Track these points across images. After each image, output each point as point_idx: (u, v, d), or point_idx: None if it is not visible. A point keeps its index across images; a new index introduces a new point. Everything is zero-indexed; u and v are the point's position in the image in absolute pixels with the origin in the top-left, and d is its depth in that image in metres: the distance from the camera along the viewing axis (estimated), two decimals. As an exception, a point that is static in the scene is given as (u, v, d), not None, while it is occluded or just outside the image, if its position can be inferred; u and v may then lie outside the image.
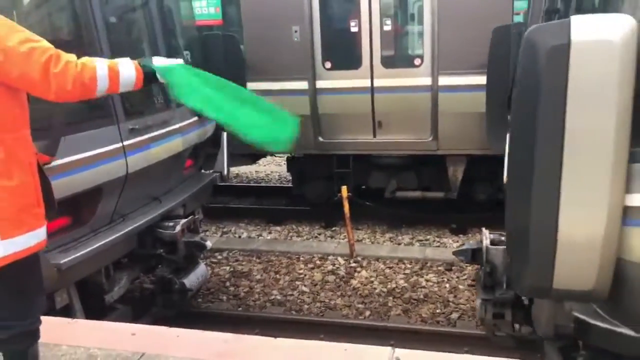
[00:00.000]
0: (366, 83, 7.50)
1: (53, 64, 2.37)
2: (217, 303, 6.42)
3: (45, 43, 2.43)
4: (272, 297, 6.51)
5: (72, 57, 2.48)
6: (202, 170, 6.52)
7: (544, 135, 2.75)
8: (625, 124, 2.61)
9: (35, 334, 2.65)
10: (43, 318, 2.93)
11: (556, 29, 2.67)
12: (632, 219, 2.74)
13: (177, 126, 5.35)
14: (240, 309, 6.34)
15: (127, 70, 2.68)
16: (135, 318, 5.06)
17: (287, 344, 3.05)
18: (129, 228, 4.68)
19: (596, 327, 3.12)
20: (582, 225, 2.73)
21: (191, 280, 5.24)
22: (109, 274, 4.77)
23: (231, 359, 2.94)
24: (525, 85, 2.84)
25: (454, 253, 4.56)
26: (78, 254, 4.15)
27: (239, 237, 8.34)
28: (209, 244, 5.21)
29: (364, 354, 2.88)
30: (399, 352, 2.86)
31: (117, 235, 4.54)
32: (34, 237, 2.49)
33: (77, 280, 4.31)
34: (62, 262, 3.98)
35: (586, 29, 2.59)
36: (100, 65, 2.55)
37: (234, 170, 11.00)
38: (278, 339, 3.10)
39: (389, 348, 2.90)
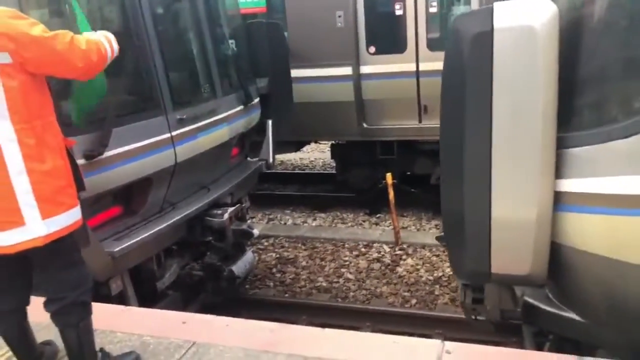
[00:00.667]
0: (411, 67, 7.39)
1: (77, 43, 2.58)
2: (264, 289, 6.49)
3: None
4: (318, 283, 6.54)
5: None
6: (248, 158, 6.56)
7: (472, 122, 2.76)
8: (551, 109, 2.61)
9: (85, 306, 2.77)
10: (99, 305, 3.06)
11: (480, 16, 2.67)
12: (563, 204, 2.73)
13: (223, 115, 5.39)
14: (287, 295, 6.40)
15: (103, 35, 2.89)
16: (184, 304, 5.19)
17: (335, 335, 3.05)
18: (179, 217, 4.76)
19: (544, 311, 3.15)
20: (514, 210, 2.74)
21: (239, 267, 5.31)
22: (160, 261, 4.88)
23: (279, 348, 2.96)
24: (452, 72, 2.84)
25: (437, 238, 4.42)
26: (130, 242, 4.25)
27: (285, 223, 8.39)
28: (256, 232, 5.26)
29: (414, 347, 2.85)
30: (449, 345, 2.81)
31: (167, 223, 4.62)
32: (72, 215, 2.62)
33: (130, 268, 4.42)
34: (115, 250, 4.08)
35: (508, 16, 2.59)
36: (96, 36, 2.83)
37: (279, 157, 11.05)
38: (326, 329, 3.11)
39: (439, 341, 2.86)
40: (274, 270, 6.89)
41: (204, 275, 5.33)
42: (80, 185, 2.79)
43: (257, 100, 6.15)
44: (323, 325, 3.42)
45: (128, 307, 3.57)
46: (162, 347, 3.09)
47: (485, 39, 2.64)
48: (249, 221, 6.24)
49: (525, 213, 2.69)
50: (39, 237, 2.50)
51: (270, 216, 8.66)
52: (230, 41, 5.99)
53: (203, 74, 5.39)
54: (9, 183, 2.42)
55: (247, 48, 6.31)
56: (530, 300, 3.23)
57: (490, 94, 2.67)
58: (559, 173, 2.71)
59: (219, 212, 5.18)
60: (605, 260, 2.69)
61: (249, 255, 5.56)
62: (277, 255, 7.20)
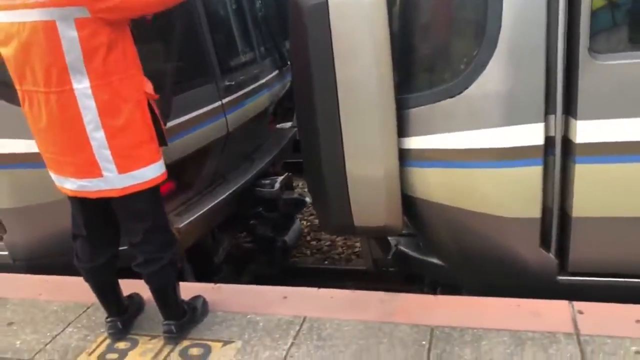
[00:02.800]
0: None
1: None
2: (302, 257, 6.35)
3: None
4: (356, 249, 6.42)
5: None
6: (278, 126, 6.36)
7: (319, 89, 2.96)
8: (388, 74, 2.81)
9: (176, 267, 2.84)
10: (184, 283, 3.03)
11: None
12: (408, 160, 3.01)
13: (264, 80, 5.16)
14: (326, 262, 6.28)
15: None
16: (236, 277, 5.03)
17: (448, 301, 2.96)
18: (233, 188, 4.57)
19: (413, 257, 3.54)
20: (365, 167, 3.00)
21: (290, 237, 5.18)
22: (214, 235, 4.70)
23: (398, 318, 2.86)
24: (296, 41, 3.02)
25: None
26: (194, 217, 4.07)
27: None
28: (308, 199, 5.09)
29: (540, 310, 2.76)
30: (580, 305, 2.73)
31: (223, 196, 4.43)
32: (152, 171, 2.60)
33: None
34: (181, 225, 3.90)
35: None
36: None
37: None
38: (438, 296, 3.00)
39: (566, 302, 2.78)
40: (308, 237, 6.74)
41: (256, 247, 5.17)
42: (162, 141, 2.71)
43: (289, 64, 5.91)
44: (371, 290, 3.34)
45: (218, 285, 3.41)
46: (273, 325, 2.95)
47: (321, 11, 2.79)
48: (298, 190, 6.07)
49: (374, 169, 2.94)
50: (115, 189, 2.54)
51: (299, 183, 8.45)
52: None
53: (244, 37, 5.14)
54: (86, 137, 2.43)
55: (276, 7, 6.02)
56: (402, 248, 3.60)
57: (333, 61, 2.85)
58: (402, 132, 2.94)
59: (268, 181, 5.00)
60: (449, 208, 3.02)
61: (297, 224, 5.42)
62: (309, 223, 7.05)
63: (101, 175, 2.50)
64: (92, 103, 2.39)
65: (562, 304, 2.78)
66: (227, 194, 4.52)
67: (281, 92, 5.80)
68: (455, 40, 3.03)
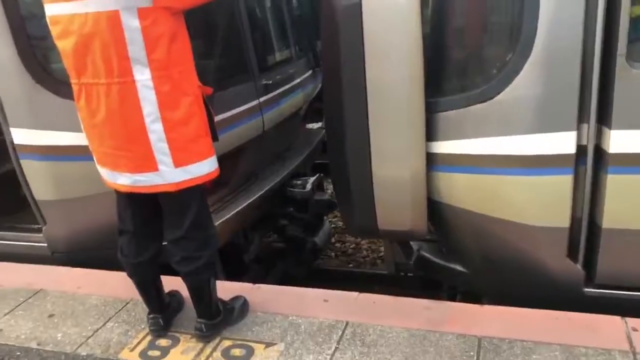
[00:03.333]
0: None
1: None
2: (326, 260, 6.34)
3: None
4: (381, 253, 6.38)
5: None
6: (307, 126, 6.34)
7: (349, 89, 2.94)
8: (419, 76, 2.79)
9: (214, 266, 2.83)
10: (220, 283, 3.00)
11: None
12: (436, 165, 2.99)
13: (299, 80, 5.15)
14: (351, 265, 6.26)
15: None
16: (264, 277, 5.02)
17: (495, 311, 2.92)
18: (266, 187, 4.55)
19: (435, 263, 3.47)
20: (392, 170, 2.98)
21: (320, 238, 5.16)
22: (245, 233, 4.69)
23: (444, 327, 2.83)
24: (327, 41, 2.99)
25: None
26: (229, 215, 4.07)
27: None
28: (339, 202, 5.06)
29: (593, 324, 2.71)
30: (633, 322, 2.69)
31: (257, 195, 4.42)
32: (206, 166, 2.59)
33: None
34: (216, 223, 3.88)
35: None
36: None
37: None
38: (485, 305, 2.96)
39: (619, 318, 2.73)
40: (333, 240, 6.72)
41: (286, 247, 5.16)
42: (214, 136, 2.70)
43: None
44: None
45: (257, 285, 3.39)
46: (315, 328, 2.93)
47: (354, 11, 2.77)
48: (329, 192, 6.04)
49: (401, 173, 2.92)
50: (171, 183, 2.52)
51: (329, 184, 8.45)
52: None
53: (281, 36, 5.13)
54: (144, 130, 2.42)
55: (310, 7, 6.00)
56: (424, 254, 3.53)
57: (363, 62, 2.83)
58: (430, 135, 2.91)
59: (299, 182, 4.98)
60: (475, 215, 2.98)
61: (327, 226, 5.40)
62: (334, 225, 7.02)
63: (157, 169, 2.49)
64: (152, 95, 2.37)
65: (615, 319, 2.73)
66: (260, 193, 4.51)
67: (314, 92, 5.78)
68: (488, 43, 3.01)
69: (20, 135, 3.63)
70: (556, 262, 2.88)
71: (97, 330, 3.09)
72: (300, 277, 5.16)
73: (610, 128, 2.56)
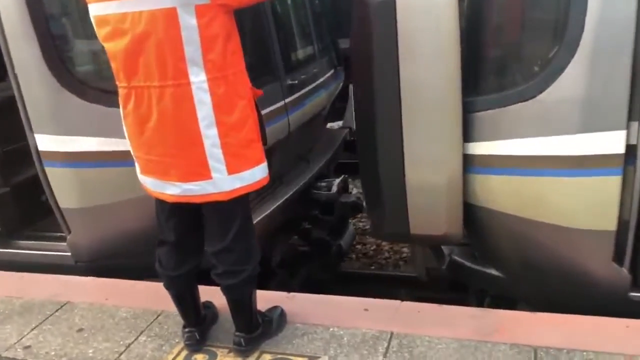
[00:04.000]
0: None
1: None
2: (348, 262, 6.20)
3: None
4: (404, 254, 6.26)
5: None
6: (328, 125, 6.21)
7: (381, 89, 2.83)
8: (456, 75, 2.69)
9: (255, 280, 2.69)
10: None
11: None
12: (472, 167, 2.88)
13: (322, 80, 5.01)
14: (372, 267, 6.13)
15: None
16: (289, 282, 4.89)
17: (548, 318, 2.79)
18: (292, 191, 4.43)
19: (468, 268, 3.33)
20: (426, 173, 2.88)
21: (346, 241, 5.04)
22: (271, 238, 4.56)
23: (495, 337, 2.70)
24: (359, 40, 2.90)
25: None
26: (256, 220, 3.92)
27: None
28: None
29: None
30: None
31: (284, 198, 4.29)
32: (259, 172, 2.46)
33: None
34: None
35: None
36: None
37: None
38: (538, 313, 2.83)
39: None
40: (354, 242, 6.57)
41: (311, 251, 5.03)
42: (264, 140, 2.56)
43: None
44: (423, 300, 3.25)
45: (292, 294, 3.27)
46: (359, 340, 2.80)
47: (389, 8, 2.66)
48: (356, 193, 5.92)
49: (437, 176, 2.82)
50: (224, 192, 2.39)
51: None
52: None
53: (304, 34, 5.00)
54: (198, 135, 2.29)
55: (332, 5, 5.88)
56: (456, 258, 3.40)
57: (397, 61, 2.72)
58: (467, 136, 2.80)
59: (324, 184, 4.85)
60: (514, 218, 2.87)
61: (351, 228, 5.28)
62: (354, 227, 6.87)
63: (210, 178, 2.35)
64: (207, 98, 2.25)
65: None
66: (287, 196, 4.38)
67: (336, 92, 5.65)
68: (530, 40, 2.88)
69: (45, 141, 3.52)
70: (601, 267, 2.78)
71: (130, 345, 2.98)
72: (326, 281, 5.04)
73: None
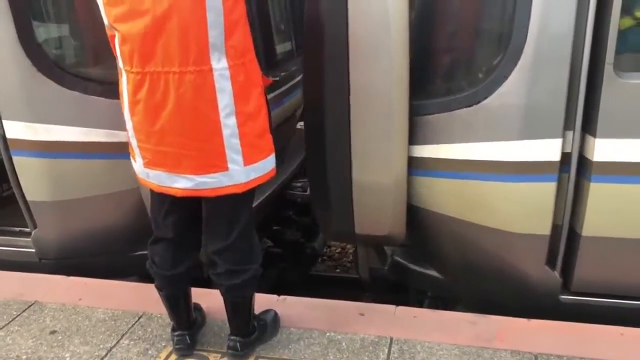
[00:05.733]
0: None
1: None
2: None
3: None
4: (368, 258, 6.23)
5: None
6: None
7: (331, 89, 2.82)
8: (404, 78, 2.70)
9: (257, 282, 2.57)
10: None
11: None
12: (417, 169, 2.93)
13: (298, 78, 4.91)
14: (338, 270, 6.08)
15: None
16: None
17: (548, 326, 2.81)
18: (270, 190, 4.30)
19: (410, 269, 3.37)
20: (372, 173, 2.88)
21: (319, 243, 4.95)
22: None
23: (494, 343, 2.70)
24: (309, 38, 2.87)
25: None
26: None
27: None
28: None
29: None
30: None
31: (263, 198, 4.16)
32: (270, 163, 2.38)
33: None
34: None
35: None
36: None
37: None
38: (535, 320, 2.85)
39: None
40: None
41: (283, 253, 4.92)
42: (270, 129, 2.44)
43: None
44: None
45: (282, 297, 3.15)
46: (358, 345, 2.73)
47: (340, 8, 2.66)
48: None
49: (382, 177, 2.82)
50: (240, 183, 2.28)
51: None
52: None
53: (282, 33, 4.89)
54: (218, 124, 2.17)
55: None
56: (398, 259, 3.43)
57: (347, 62, 2.71)
58: (413, 139, 2.85)
59: (299, 184, 4.76)
60: (455, 220, 2.92)
61: (323, 231, 5.17)
62: (317, 228, 6.81)
63: (226, 169, 2.23)
64: (228, 85, 2.12)
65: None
66: (264, 196, 4.25)
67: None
68: (476, 48, 2.95)
69: (14, 129, 3.24)
70: (535, 270, 2.88)
71: (111, 349, 2.78)
72: (297, 283, 4.94)
73: (594, 136, 2.56)
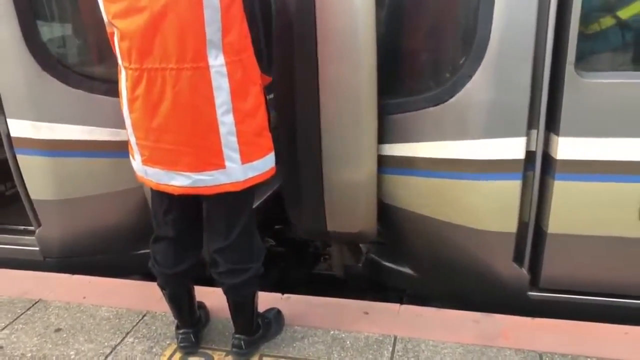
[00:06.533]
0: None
1: None
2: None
3: None
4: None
5: None
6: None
7: (301, 87, 2.83)
8: (372, 77, 2.71)
9: (258, 280, 2.56)
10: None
11: None
12: (388, 167, 2.95)
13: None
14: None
15: None
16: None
17: (553, 324, 2.81)
18: (270, 191, 4.30)
19: (384, 266, 3.41)
20: (342, 172, 2.90)
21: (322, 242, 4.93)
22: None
23: (498, 342, 2.71)
24: (279, 36, 2.87)
25: None
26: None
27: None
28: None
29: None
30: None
31: (265, 196, 4.17)
32: (269, 161, 2.35)
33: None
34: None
35: None
36: None
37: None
38: (538, 318, 2.85)
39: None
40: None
41: (286, 252, 4.92)
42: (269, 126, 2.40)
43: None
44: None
45: (286, 295, 3.16)
46: (362, 344, 2.73)
47: (308, 7, 2.66)
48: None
49: (353, 174, 2.84)
50: (237, 182, 2.26)
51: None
52: None
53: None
54: (215, 122, 2.15)
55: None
56: (373, 257, 3.46)
57: (317, 61, 2.72)
58: (382, 138, 2.86)
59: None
60: (424, 218, 2.96)
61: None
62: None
63: (223, 167, 2.22)
64: (225, 83, 2.11)
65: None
66: (267, 194, 4.25)
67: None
68: (441, 47, 2.97)
69: (19, 127, 3.25)
70: (503, 266, 2.92)
71: (116, 347, 2.79)
72: (300, 282, 4.94)
73: (558, 135, 2.60)
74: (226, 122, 2.15)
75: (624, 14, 2.60)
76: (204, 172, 2.23)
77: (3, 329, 2.97)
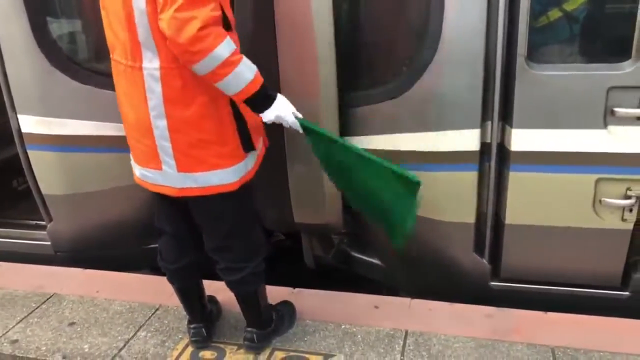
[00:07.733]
0: None
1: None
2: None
3: None
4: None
5: None
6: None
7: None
8: (331, 70, 2.75)
9: (261, 275, 2.57)
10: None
11: None
12: None
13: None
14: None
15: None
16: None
17: (565, 319, 2.80)
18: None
19: (355, 257, 3.47)
20: (306, 164, 2.93)
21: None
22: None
23: (511, 336, 2.71)
24: (242, 28, 2.76)
25: None
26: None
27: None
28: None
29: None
30: None
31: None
32: (217, 177, 2.23)
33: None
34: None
35: None
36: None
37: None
38: (551, 313, 2.83)
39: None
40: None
41: (295, 246, 4.91)
42: (246, 145, 2.28)
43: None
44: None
45: (297, 289, 3.17)
46: (373, 338, 2.74)
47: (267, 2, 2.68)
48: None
49: (316, 167, 2.73)
50: (172, 187, 2.27)
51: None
52: None
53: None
54: (149, 123, 2.15)
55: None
56: (344, 247, 3.51)
57: (276, 54, 2.75)
58: (344, 131, 2.89)
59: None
60: None
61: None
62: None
63: (161, 169, 2.24)
64: (158, 87, 2.07)
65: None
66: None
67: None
68: (396, 41, 2.97)
69: (30, 123, 3.27)
70: (464, 257, 2.96)
71: (129, 340, 2.81)
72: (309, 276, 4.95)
73: (511, 127, 2.63)
74: (159, 126, 2.14)
75: (570, 5, 2.62)
76: (147, 168, 2.30)
77: (18, 322, 3.00)
